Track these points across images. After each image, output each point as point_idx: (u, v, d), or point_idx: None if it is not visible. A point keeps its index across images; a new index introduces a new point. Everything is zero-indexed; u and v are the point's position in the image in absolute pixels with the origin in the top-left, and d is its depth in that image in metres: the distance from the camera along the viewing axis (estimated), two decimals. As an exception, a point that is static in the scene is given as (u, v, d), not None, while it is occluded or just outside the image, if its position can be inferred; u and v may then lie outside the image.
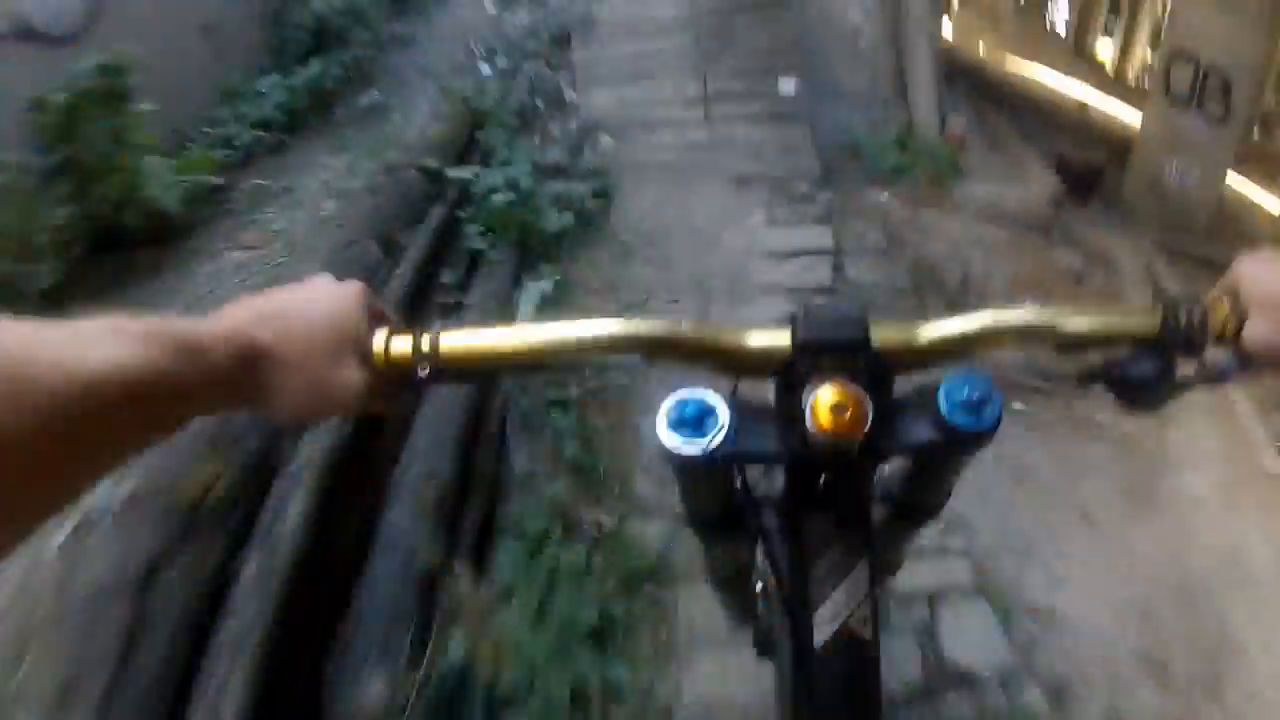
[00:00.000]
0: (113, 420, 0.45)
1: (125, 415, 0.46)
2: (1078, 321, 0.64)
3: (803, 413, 0.59)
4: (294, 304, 0.61)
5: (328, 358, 0.60)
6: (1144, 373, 0.63)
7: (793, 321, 0.63)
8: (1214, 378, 0.65)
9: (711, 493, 0.74)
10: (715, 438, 0.61)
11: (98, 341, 0.45)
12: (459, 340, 0.64)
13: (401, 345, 0.64)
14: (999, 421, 0.61)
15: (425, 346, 0.64)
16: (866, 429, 0.58)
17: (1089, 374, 0.66)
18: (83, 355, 0.43)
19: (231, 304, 0.59)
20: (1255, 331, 0.63)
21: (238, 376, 0.55)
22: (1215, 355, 0.64)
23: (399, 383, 0.65)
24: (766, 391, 0.65)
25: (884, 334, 0.63)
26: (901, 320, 0.65)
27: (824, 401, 0.58)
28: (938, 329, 0.64)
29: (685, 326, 0.65)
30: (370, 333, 0.64)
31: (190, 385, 0.50)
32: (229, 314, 0.58)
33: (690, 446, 0.61)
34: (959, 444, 0.63)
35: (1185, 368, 0.64)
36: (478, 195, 3.99)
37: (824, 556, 0.66)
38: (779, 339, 0.64)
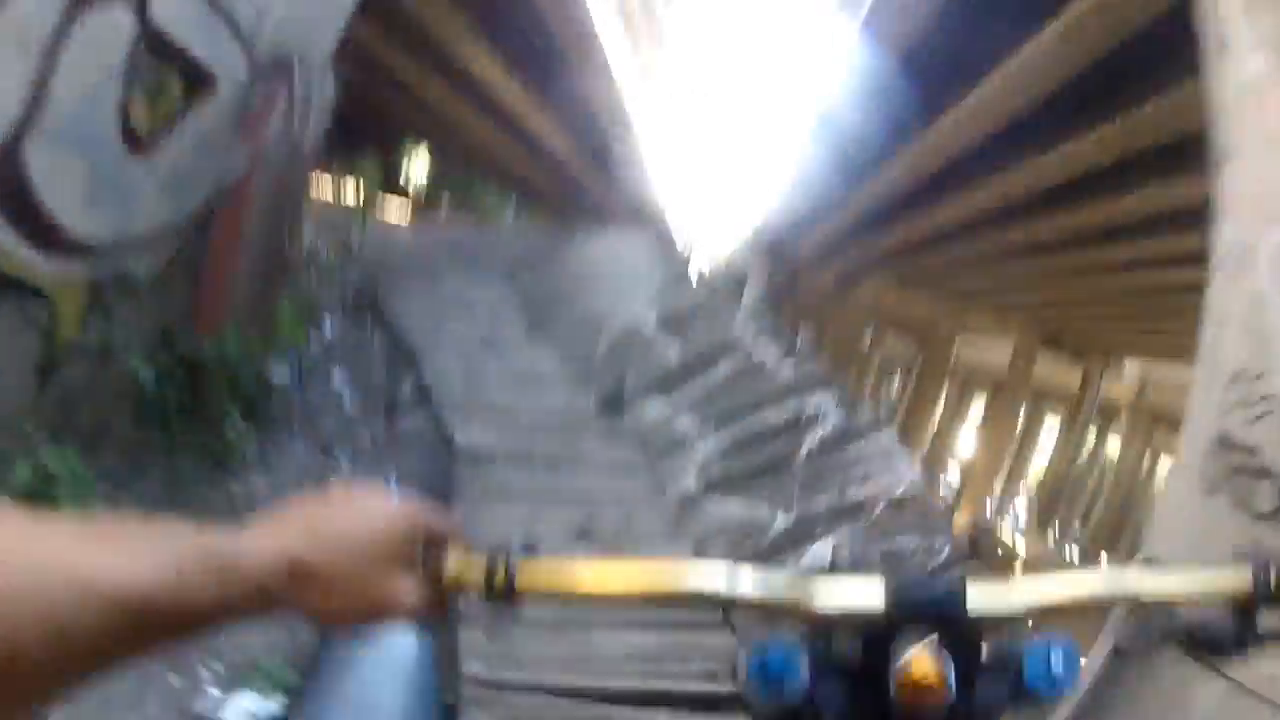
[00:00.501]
0: (124, 637, 0.42)
1: (141, 632, 0.44)
2: (1170, 582, 0.64)
3: (886, 683, 0.58)
4: (344, 522, 0.57)
5: (376, 575, 0.57)
6: (1227, 633, 0.64)
7: (887, 586, 0.61)
8: None
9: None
10: (793, 693, 0.60)
11: (124, 552, 0.44)
12: (538, 571, 0.62)
13: (472, 570, 0.61)
14: (1076, 683, 0.63)
15: (500, 575, 0.60)
16: (949, 704, 0.58)
17: (1168, 632, 0.72)
18: (103, 566, 0.42)
19: (276, 512, 0.56)
20: None
21: (274, 593, 0.52)
22: None
23: (461, 597, 0.62)
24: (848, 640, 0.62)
25: (979, 597, 0.61)
26: (997, 579, 0.63)
27: (909, 676, 0.58)
28: (1036, 593, 0.63)
29: (779, 580, 0.63)
30: (432, 553, 0.60)
31: (221, 605, 0.48)
32: (273, 529, 0.54)
33: (768, 697, 0.61)
34: (1036, 705, 0.62)
35: (1269, 619, 0.63)
36: None
37: None
38: (870, 600, 0.61)
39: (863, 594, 0.61)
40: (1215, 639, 0.64)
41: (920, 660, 0.57)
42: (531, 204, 12.55)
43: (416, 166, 13.57)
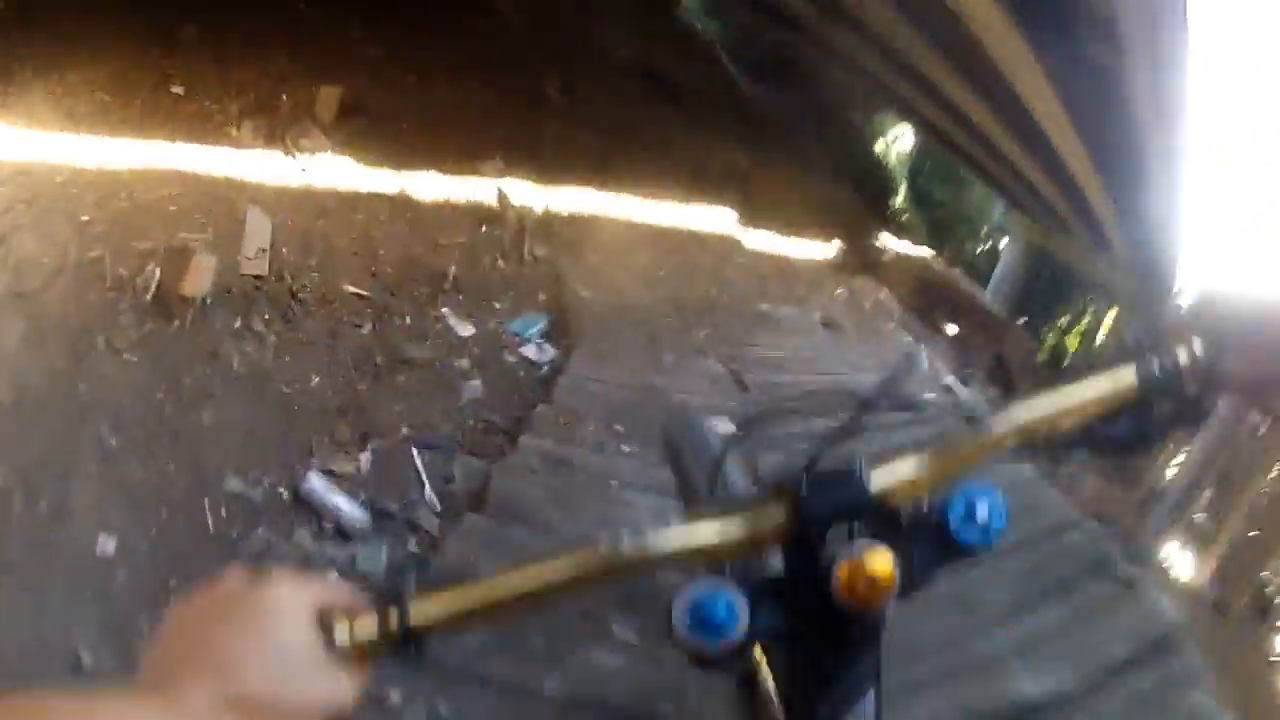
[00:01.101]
0: None
1: None
2: (1059, 405, 0.64)
3: (826, 586, 0.57)
4: (245, 644, 0.54)
5: (301, 685, 0.55)
6: (1126, 433, 0.65)
7: (788, 495, 0.60)
8: (1194, 419, 0.65)
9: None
10: (737, 633, 0.58)
11: None
12: (432, 609, 0.60)
13: (368, 631, 0.59)
14: (1006, 524, 0.60)
15: (394, 624, 0.59)
16: (895, 587, 0.57)
17: (1070, 440, 0.66)
18: None
19: (163, 653, 0.54)
20: (1231, 365, 0.64)
21: None
22: (1193, 395, 0.65)
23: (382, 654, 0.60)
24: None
25: (882, 478, 0.61)
26: (892, 455, 0.62)
27: (848, 575, 0.56)
28: (930, 460, 0.63)
29: (676, 529, 0.61)
30: (329, 630, 0.58)
31: None
32: (196, 671, 0.52)
33: (712, 646, 0.58)
34: (973, 559, 0.61)
35: (1163, 411, 0.65)
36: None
37: (836, 684, 0.64)
38: (778, 517, 0.61)
39: (767, 513, 0.60)
40: (1117, 439, 0.64)
41: (856, 559, 0.56)
42: (1035, 224, 8.80)
43: (891, 150, 10.40)
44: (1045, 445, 0.67)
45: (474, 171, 4.28)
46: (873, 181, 9.62)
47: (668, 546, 0.60)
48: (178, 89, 4.04)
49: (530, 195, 4.37)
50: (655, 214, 4.88)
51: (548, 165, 4.58)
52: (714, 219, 5.27)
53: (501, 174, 4.34)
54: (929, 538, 0.60)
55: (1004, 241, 10.89)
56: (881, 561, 0.56)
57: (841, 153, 9.06)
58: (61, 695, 0.45)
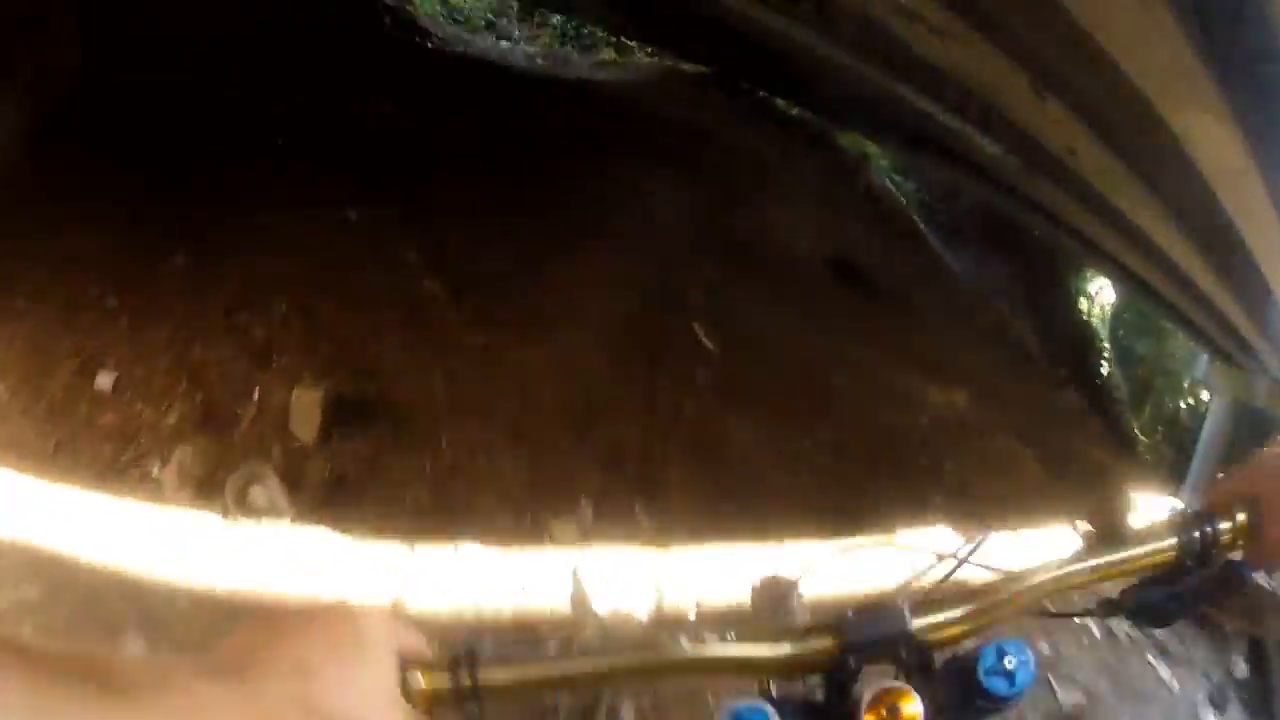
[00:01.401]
0: None
1: None
2: (1098, 567, 0.67)
3: (857, 716, 0.61)
4: (329, 657, 0.55)
5: (374, 712, 0.57)
6: (1162, 599, 0.68)
7: (838, 627, 0.65)
8: (1230, 588, 0.67)
9: None
10: None
11: None
12: (501, 674, 0.64)
13: (440, 682, 0.63)
14: (1032, 680, 0.63)
15: (464, 681, 0.63)
16: None
17: (1109, 605, 0.70)
18: None
19: (244, 643, 0.54)
20: (1273, 538, 0.66)
21: None
22: (1232, 563, 0.67)
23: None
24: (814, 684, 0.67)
25: (923, 620, 0.65)
26: (936, 601, 0.66)
27: (877, 709, 0.60)
28: (969, 608, 0.66)
29: (731, 642, 0.66)
30: (407, 675, 0.61)
31: None
32: (250, 672, 0.52)
33: None
34: (994, 709, 0.65)
35: (1199, 579, 0.66)
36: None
37: None
38: (823, 644, 0.65)
39: (814, 640, 0.65)
40: (1153, 607, 0.68)
41: (884, 692, 0.60)
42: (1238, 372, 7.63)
43: (1094, 305, 9.34)
44: (1084, 611, 0.72)
45: (537, 539, 2.55)
46: (1086, 350, 8.76)
47: (722, 655, 0.64)
48: (105, 378, 2.66)
49: (626, 572, 2.56)
50: (837, 574, 2.92)
51: (668, 505, 2.78)
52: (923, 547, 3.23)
53: (585, 537, 2.58)
54: (959, 681, 0.63)
55: (1206, 395, 9.19)
56: (909, 702, 0.60)
57: (1050, 324, 7.77)
58: (133, 659, 0.48)
